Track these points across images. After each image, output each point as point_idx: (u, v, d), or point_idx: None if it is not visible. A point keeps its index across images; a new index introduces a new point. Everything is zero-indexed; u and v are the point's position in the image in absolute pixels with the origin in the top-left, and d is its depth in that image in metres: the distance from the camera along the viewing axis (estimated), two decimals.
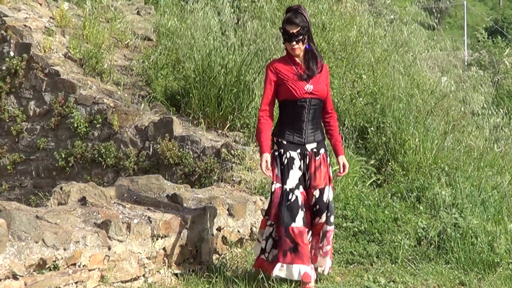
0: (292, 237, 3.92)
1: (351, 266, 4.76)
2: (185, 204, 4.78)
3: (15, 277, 3.15)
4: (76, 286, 3.53)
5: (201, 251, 4.52)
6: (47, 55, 7.21)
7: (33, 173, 7.09)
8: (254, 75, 6.71)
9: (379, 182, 6.44)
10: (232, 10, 8.51)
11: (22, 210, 3.58)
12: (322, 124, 4.21)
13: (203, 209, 4.66)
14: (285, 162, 3.99)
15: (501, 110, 8.72)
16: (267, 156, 3.94)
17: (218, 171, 5.84)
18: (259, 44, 7.27)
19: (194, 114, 6.70)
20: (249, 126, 6.46)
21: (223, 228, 4.83)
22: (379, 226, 5.30)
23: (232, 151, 5.89)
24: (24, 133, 7.16)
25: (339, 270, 4.63)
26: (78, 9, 8.66)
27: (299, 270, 3.91)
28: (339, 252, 5.00)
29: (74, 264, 3.52)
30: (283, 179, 3.98)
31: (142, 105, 6.89)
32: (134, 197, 4.69)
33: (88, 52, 7.36)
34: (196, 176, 6.00)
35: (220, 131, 6.55)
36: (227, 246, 4.85)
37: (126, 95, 7.14)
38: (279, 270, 3.94)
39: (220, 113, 6.60)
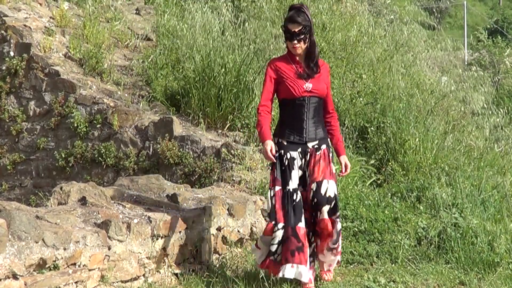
0: (299, 236, 3.90)
1: (351, 266, 4.77)
2: (185, 204, 4.78)
3: (15, 277, 3.15)
4: (76, 286, 3.53)
5: (201, 251, 4.52)
6: (47, 55, 7.21)
7: (33, 173, 7.09)
8: (254, 75, 6.71)
9: (379, 182, 6.44)
10: (232, 10, 8.51)
11: (22, 210, 3.59)
12: (324, 123, 4.18)
13: (203, 209, 4.66)
14: (286, 163, 3.98)
15: (501, 110, 8.72)
16: (270, 142, 3.89)
17: (218, 171, 5.84)
18: (259, 44, 7.27)
19: (194, 114, 6.71)
20: (249, 126, 6.46)
21: (223, 228, 4.83)
22: (379, 226, 5.30)
23: (232, 151, 5.89)
24: (24, 133, 7.16)
25: (339, 270, 4.63)
26: (78, 9, 8.66)
27: (306, 270, 3.89)
28: None
29: (74, 264, 3.52)
30: (285, 180, 3.96)
31: (141, 103, 6.89)
32: (134, 197, 4.69)
33: (88, 52, 7.36)
34: (196, 176, 6.00)
35: (220, 131, 6.55)
36: (227, 246, 4.85)
37: (126, 95, 7.14)
38: (289, 270, 3.85)
39: (220, 113, 6.60)
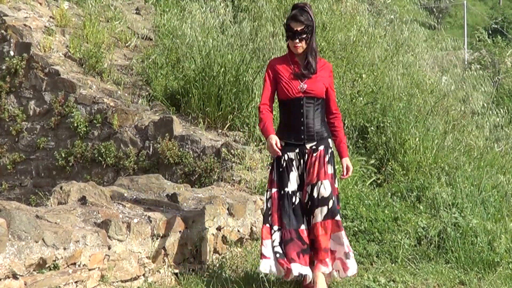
0: (303, 238, 3.87)
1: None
2: (185, 204, 4.78)
3: (15, 276, 3.15)
4: (76, 286, 3.53)
5: (201, 250, 4.52)
6: (47, 54, 7.21)
7: (33, 172, 7.09)
8: (253, 74, 6.71)
9: (379, 181, 6.44)
10: (232, 9, 8.51)
11: (22, 210, 3.59)
12: (328, 124, 4.11)
13: (203, 208, 4.66)
14: (284, 164, 3.93)
15: (501, 110, 8.73)
16: (274, 136, 3.86)
17: (218, 170, 5.84)
18: (257, 43, 7.26)
19: (194, 114, 6.70)
20: (249, 126, 6.46)
21: (223, 228, 4.83)
22: (379, 226, 5.30)
23: (232, 151, 5.89)
24: (24, 132, 7.16)
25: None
26: (78, 8, 8.66)
27: (310, 271, 3.85)
28: None
29: (74, 264, 3.52)
30: (283, 182, 3.92)
31: (141, 103, 6.88)
32: (134, 197, 4.69)
33: (88, 52, 7.36)
34: (196, 176, 6.00)
35: (220, 131, 6.55)
36: (227, 246, 4.85)
37: (126, 94, 7.14)
38: (297, 268, 3.80)
39: (220, 113, 6.60)
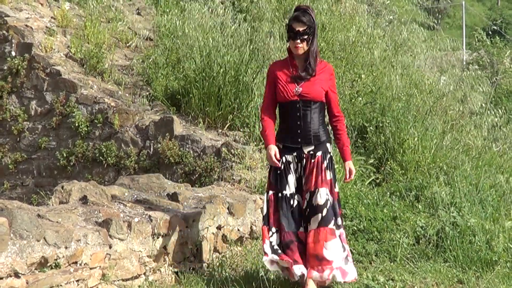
0: (302, 241, 3.86)
1: None
2: (185, 203, 4.79)
3: (17, 275, 3.15)
4: (78, 284, 3.53)
5: (201, 249, 4.53)
6: (48, 55, 7.22)
7: (35, 172, 7.10)
8: (253, 74, 6.71)
9: (378, 181, 6.45)
10: (233, 10, 8.51)
11: (23, 209, 3.59)
12: (331, 127, 4.08)
13: (204, 207, 4.67)
14: (282, 167, 3.89)
15: (499, 110, 8.73)
16: (274, 147, 3.88)
17: (218, 170, 5.85)
18: (256, 43, 7.26)
19: (194, 114, 6.71)
20: (249, 126, 6.46)
21: (223, 227, 4.83)
22: (378, 225, 5.31)
23: (232, 150, 5.90)
24: (25, 132, 7.16)
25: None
26: (79, 9, 8.66)
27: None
28: None
29: (76, 263, 3.52)
30: (281, 185, 3.89)
31: (142, 103, 6.89)
32: (135, 196, 4.70)
33: (89, 52, 7.36)
34: (197, 175, 6.00)
35: (220, 131, 6.56)
36: (227, 245, 4.86)
37: (127, 94, 7.15)
38: (299, 269, 3.79)
39: (220, 113, 6.60)
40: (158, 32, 8.71)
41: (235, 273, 4.40)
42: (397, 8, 10.65)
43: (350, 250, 4.89)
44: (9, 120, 7.25)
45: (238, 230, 5.01)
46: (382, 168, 6.60)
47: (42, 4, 8.22)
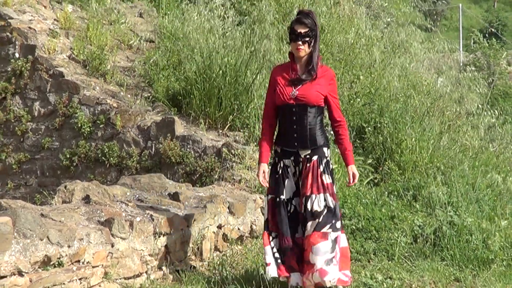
0: (300, 246, 3.81)
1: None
2: (186, 202, 4.79)
3: (20, 273, 3.16)
4: (80, 283, 3.54)
5: (202, 248, 4.53)
6: (51, 56, 7.22)
7: (38, 172, 7.10)
8: (252, 76, 6.71)
9: (376, 181, 6.45)
10: (234, 12, 8.50)
11: (27, 208, 3.59)
12: (333, 132, 4.01)
13: (204, 207, 4.67)
14: (280, 171, 3.86)
15: (496, 111, 8.73)
16: (264, 166, 3.90)
17: (218, 170, 5.85)
18: (254, 45, 7.25)
19: (195, 114, 6.71)
20: (249, 126, 6.46)
21: (223, 226, 4.84)
22: (376, 224, 5.31)
23: (232, 151, 5.90)
24: (29, 133, 7.17)
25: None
26: (82, 11, 8.66)
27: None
28: None
29: (78, 261, 3.53)
30: (279, 190, 3.84)
31: (142, 101, 6.89)
32: (137, 196, 4.70)
33: (92, 54, 7.36)
34: (197, 175, 6.01)
35: (220, 131, 6.56)
36: (228, 244, 4.86)
37: (128, 95, 7.15)
38: (297, 278, 3.76)
39: (221, 114, 6.61)
40: (159, 34, 8.70)
41: (235, 271, 4.40)
42: (395, 11, 10.65)
43: (350, 249, 4.92)
44: (13, 121, 7.26)
45: (239, 229, 5.01)
46: (380, 168, 6.60)
47: (45, 7, 8.22)
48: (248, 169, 5.82)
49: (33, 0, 8.07)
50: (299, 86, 3.80)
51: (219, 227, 4.79)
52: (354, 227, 5.30)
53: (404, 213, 5.49)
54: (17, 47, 7.29)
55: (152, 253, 4.10)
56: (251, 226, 5.17)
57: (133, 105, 6.88)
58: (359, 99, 7.31)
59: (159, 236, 4.15)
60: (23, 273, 3.17)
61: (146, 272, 4.08)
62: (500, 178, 6.72)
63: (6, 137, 7.32)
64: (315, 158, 3.80)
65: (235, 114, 6.59)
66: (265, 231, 3.90)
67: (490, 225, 5.29)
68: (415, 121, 7.06)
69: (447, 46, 9.80)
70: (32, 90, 7.21)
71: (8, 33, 7.35)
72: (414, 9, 10.53)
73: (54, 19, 8.00)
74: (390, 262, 4.81)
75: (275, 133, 4.03)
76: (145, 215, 4.17)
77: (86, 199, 4.20)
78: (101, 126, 6.71)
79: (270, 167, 3.96)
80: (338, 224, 3.78)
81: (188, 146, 6.19)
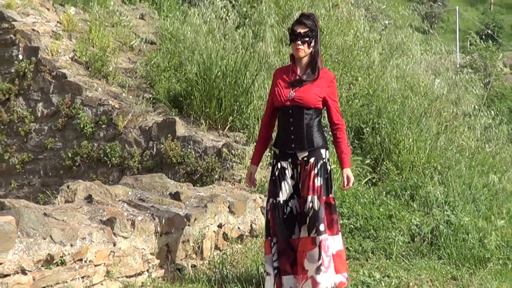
0: (294, 248, 3.76)
1: (347, 262, 4.76)
2: (187, 202, 4.79)
3: (24, 272, 3.16)
4: (83, 281, 3.54)
5: (203, 247, 4.53)
6: (54, 58, 7.22)
7: (41, 172, 7.10)
8: (251, 77, 6.71)
9: (374, 180, 6.45)
10: (234, 15, 8.50)
11: (30, 208, 3.59)
12: (331, 135, 3.97)
13: (205, 206, 4.67)
14: (276, 173, 3.82)
15: (492, 111, 8.73)
16: (252, 168, 4.01)
17: (219, 170, 5.85)
18: (254, 47, 7.25)
19: (196, 115, 6.71)
20: (249, 127, 6.47)
21: (224, 225, 4.84)
22: (374, 223, 5.31)
23: (232, 151, 5.90)
24: (32, 133, 7.17)
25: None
26: (84, 14, 8.66)
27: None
28: None
29: (81, 260, 3.53)
30: (275, 191, 3.79)
31: (143, 102, 6.89)
32: (138, 195, 4.70)
33: (94, 55, 7.36)
34: (198, 175, 6.01)
35: (221, 132, 6.56)
36: (228, 242, 4.86)
37: (130, 96, 7.15)
38: (289, 280, 3.72)
39: (221, 114, 6.61)
40: (160, 36, 8.71)
41: (235, 270, 4.40)
42: (393, 13, 10.65)
43: (348, 247, 4.93)
44: (16, 121, 7.26)
45: (239, 228, 5.01)
46: (378, 168, 6.60)
47: (48, 9, 8.22)
48: (248, 169, 5.81)
49: (37, 3, 8.08)
50: (297, 88, 3.76)
51: (220, 226, 4.79)
52: (352, 226, 5.30)
53: (402, 213, 5.49)
54: (20, 49, 7.29)
55: (154, 252, 4.10)
56: (251, 225, 5.17)
57: (135, 106, 6.88)
58: (357, 100, 7.32)
59: (161, 235, 4.15)
60: (26, 272, 3.17)
61: (147, 270, 4.08)
62: (496, 178, 6.72)
63: (10, 138, 7.32)
64: (312, 160, 3.76)
65: (235, 115, 6.59)
66: (266, 239, 3.84)
67: (486, 224, 5.29)
68: (413, 122, 7.07)
69: (444, 48, 9.79)
70: (35, 91, 7.21)
71: (12, 35, 7.35)
72: (412, 11, 10.52)
73: (57, 22, 8.01)
74: (388, 260, 4.81)
75: (274, 135, 4.01)
76: (147, 215, 4.17)
77: (89, 199, 4.20)
78: (103, 126, 6.71)
79: (269, 169, 3.95)
80: (321, 227, 3.68)
81: (189, 147, 6.19)
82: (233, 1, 8.71)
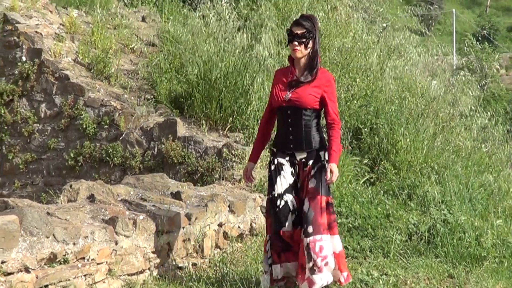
0: (283, 239, 3.73)
1: (346, 260, 4.76)
2: (188, 201, 4.79)
3: (27, 270, 3.16)
4: (85, 279, 3.54)
5: (203, 245, 4.53)
6: (57, 60, 7.22)
7: (44, 172, 7.10)
8: (250, 79, 6.71)
9: (372, 180, 6.45)
10: (235, 17, 8.50)
11: (33, 207, 3.60)
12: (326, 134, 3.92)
13: (205, 206, 4.67)
14: (272, 168, 3.80)
15: (488, 112, 8.74)
16: (249, 165, 3.98)
17: (219, 170, 5.85)
18: (254, 49, 7.25)
19: (197, 116, 6.72)
20: (249, 128, 6.47)
21: (224, 224, 4.84)
22: (372, 222, 5.31)
23: (232, 151, 5.90)
24: (35, 134, 7.17)
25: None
26: (87, 16, 8.66)
27: (295, 266, 3.75)
28: None
29: (83, 258, 3.53)
30: (272, 187, 3.76)
31: (145, 103, 6.90)
32: (140, 195, 4.70)
33: (96, 57, 7.37)
34: (199, 175, 6.01)
35: (221, 132, 6.57)
36: (228, 241, 4.86)
37: (132, 97, 7.15)
38: (277, 270, 3.74)
39: (221, 115, 6.61)
40: (162, 38, 8.71)
41: (235, 268, 4.40)
42: (391, 16, 10.65)
43: (346, 246, 4.93)
44: (20, 122, 7.26)
45: (239, 227, 5.01)
46: (376, 168, 6.60)
47: (51, 12, 8.22)
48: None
49: (40, 5, 8.08)
50: (294, 89, 3.73)
51: (220, 225, 4.79)
52: (350, 225, 5.30)
53: (399, 212, 5.49)
54: (24, 50, 7.29)
55: (155, 250, 4.10)
56: (251, 224, 5.17)
57: (137, 107, 6.88)
58: (355, 101, 7.32)
59: (162, 234, 4.15)
60: (30, 270, 3.17)
61: (149, 268, 4.08)
62: (492, 178, 6.73)
63: (13, 138, 7.32)
64: (310, 162, 3.74)
65: (235, 116, 6.60)
66: (266, 237, 3.85)
67: (482, 223, 5.29)
68: (410, 123, 7.07)
69: (441, 50, 9.80)
70: (38, 92, 7.21)
71: (15, 37, 7.35)
72: (410, 15, 10.53)
73: (60, 24, 8.01)
74: (385, 259, 4.80)
75: (272, 134, 4.01)
76: (148, 214, 4.17)
77: (91, 198, 4.20)
78: (105, 127, 6.71)
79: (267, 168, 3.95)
80: (310, 229, 3.63)
81: (190, 147, 6.19)
82: (233, 4, 8.71)
